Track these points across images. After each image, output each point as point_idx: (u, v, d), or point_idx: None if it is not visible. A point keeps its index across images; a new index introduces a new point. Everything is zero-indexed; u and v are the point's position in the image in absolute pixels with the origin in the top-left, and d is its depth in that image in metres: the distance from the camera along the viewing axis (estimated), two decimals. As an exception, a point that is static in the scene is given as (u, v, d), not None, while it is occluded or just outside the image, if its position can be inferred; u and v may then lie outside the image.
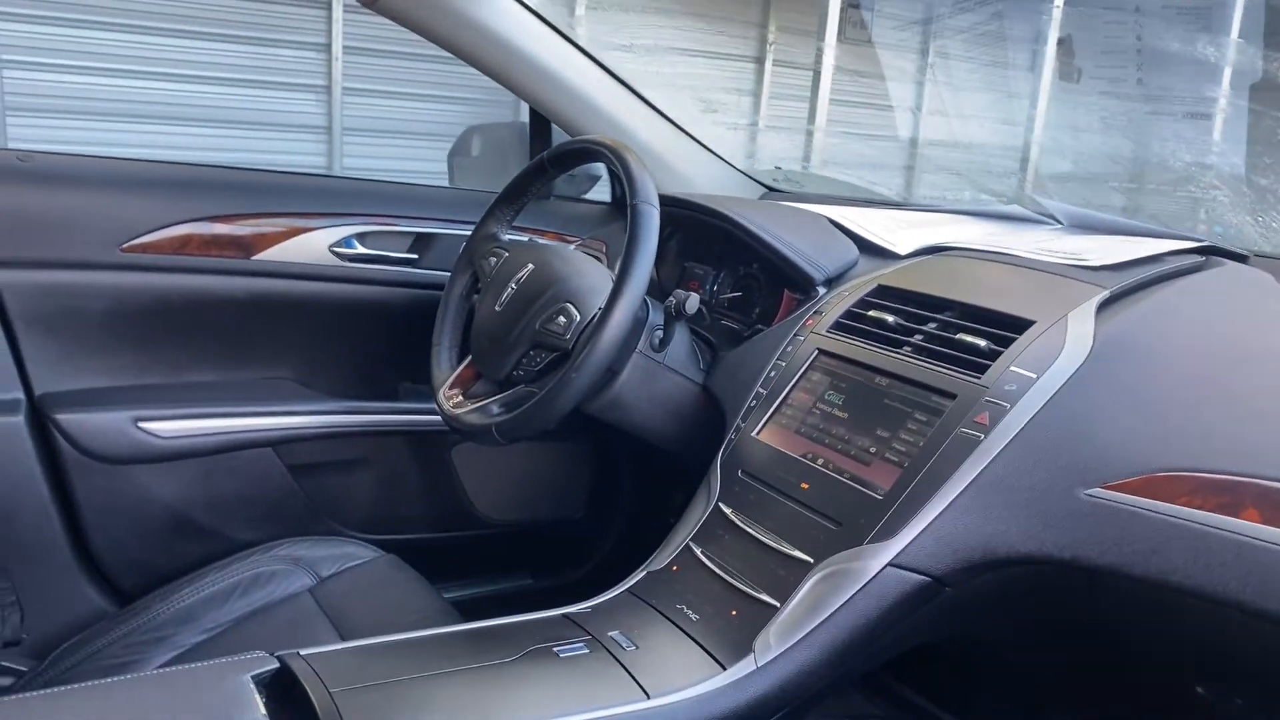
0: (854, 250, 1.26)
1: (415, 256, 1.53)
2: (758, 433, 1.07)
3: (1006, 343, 0.94)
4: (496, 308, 1.20)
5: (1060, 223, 1.32)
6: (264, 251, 1.43)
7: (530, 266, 1.20)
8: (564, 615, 0.94)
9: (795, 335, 1.14)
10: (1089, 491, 0.82)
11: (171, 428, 1.35)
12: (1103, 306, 0.96)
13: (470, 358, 1.27)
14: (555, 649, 0.87)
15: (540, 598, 1.70)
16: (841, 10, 5.78)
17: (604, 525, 1.75)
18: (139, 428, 1.34)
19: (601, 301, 1.10)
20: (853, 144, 6.13)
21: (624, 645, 0.89)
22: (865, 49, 6.05)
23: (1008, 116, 5.68)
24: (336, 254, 1.47)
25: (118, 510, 1.36)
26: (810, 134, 6.11)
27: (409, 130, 5.60)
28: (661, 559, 1.01)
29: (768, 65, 6.29)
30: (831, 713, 1.19)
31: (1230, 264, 1.08)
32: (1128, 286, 0.99)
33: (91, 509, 1.34)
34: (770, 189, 1.74)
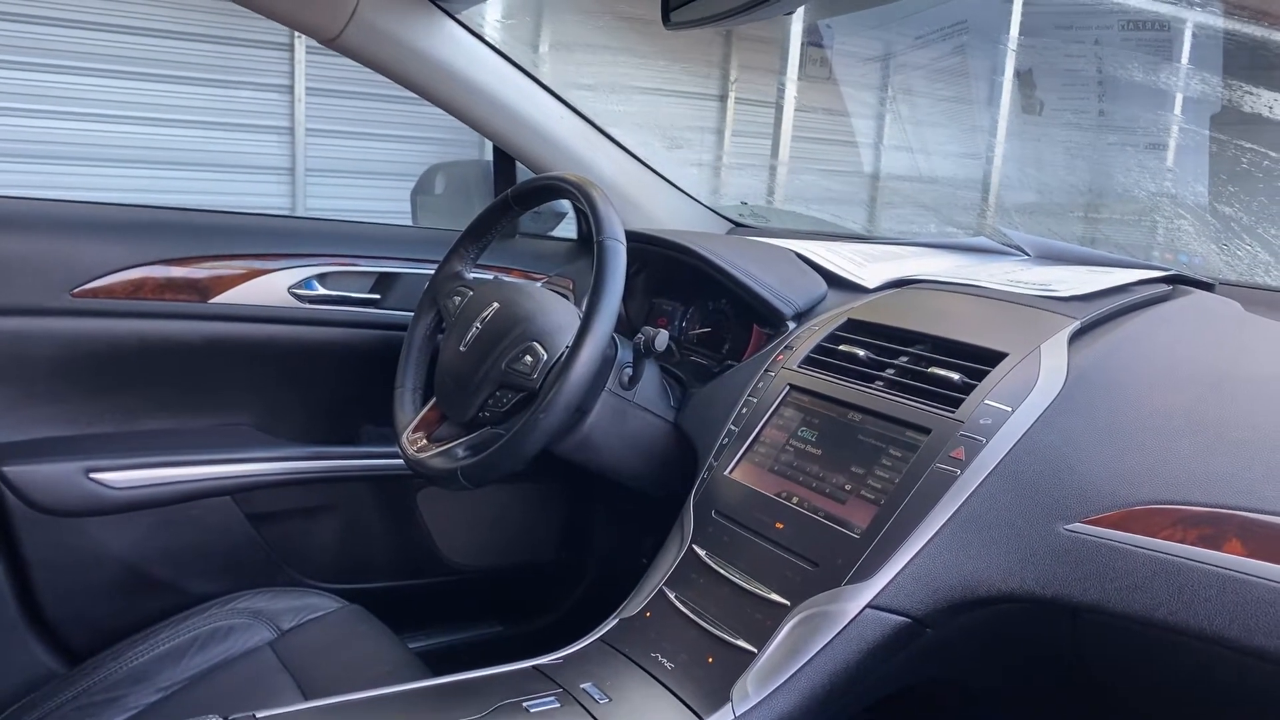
0: (822, 284, 1.25)
1: (377, 296, 1.50)
2: (730, 471, 1.05)
3: (980, 376, 0.92)
4: (461, 348, 1.18)
5: (1027, 254, 1.32)
6: (221, 294, 1.39)
7: (495, 305, 1.18)
8: (534, 667, 0.91)
9: (766, 371, 1.12)
10: (1068, 527, 0.80)
11: (125, 478, 1.31)
12: (1074, 337, 0.95)
13: (435, 400, 1.24)
14: (525, 704, 0.84)
15: (511, 646, 1.65)
16: (802, 48, 5.86)
17: (575, 568, 1.72)
18: (90, 479, 1.29)
19: (569, 340, 1.08)
20: (815, 179, 6.19)
21: (597, 698, 0.86)
22: (826, 85, 6.13)
23: (969, 149, 5.76)
24: (296, 295, 1.44)
25: (68, 565, 1.31)
26: (774, 169, 6.17)
27: (373, 170, 5.58)
28: (634, 605, 0.98)
29: (730, 102, 6.36)
30: None
31: (1197, 292, 1.08)
32: (1098, 317, 0.99)
33: (40, 564, 1.29)
34: (736, 224, 1.73)
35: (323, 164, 5.55)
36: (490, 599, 1.70)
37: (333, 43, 1.27)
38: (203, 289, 1.38)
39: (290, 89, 5.36)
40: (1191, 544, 0.75)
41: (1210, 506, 0.75)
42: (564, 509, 1.69)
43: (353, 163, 5.58)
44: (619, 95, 5.45)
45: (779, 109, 6.15)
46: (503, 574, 1.67)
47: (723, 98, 6.39)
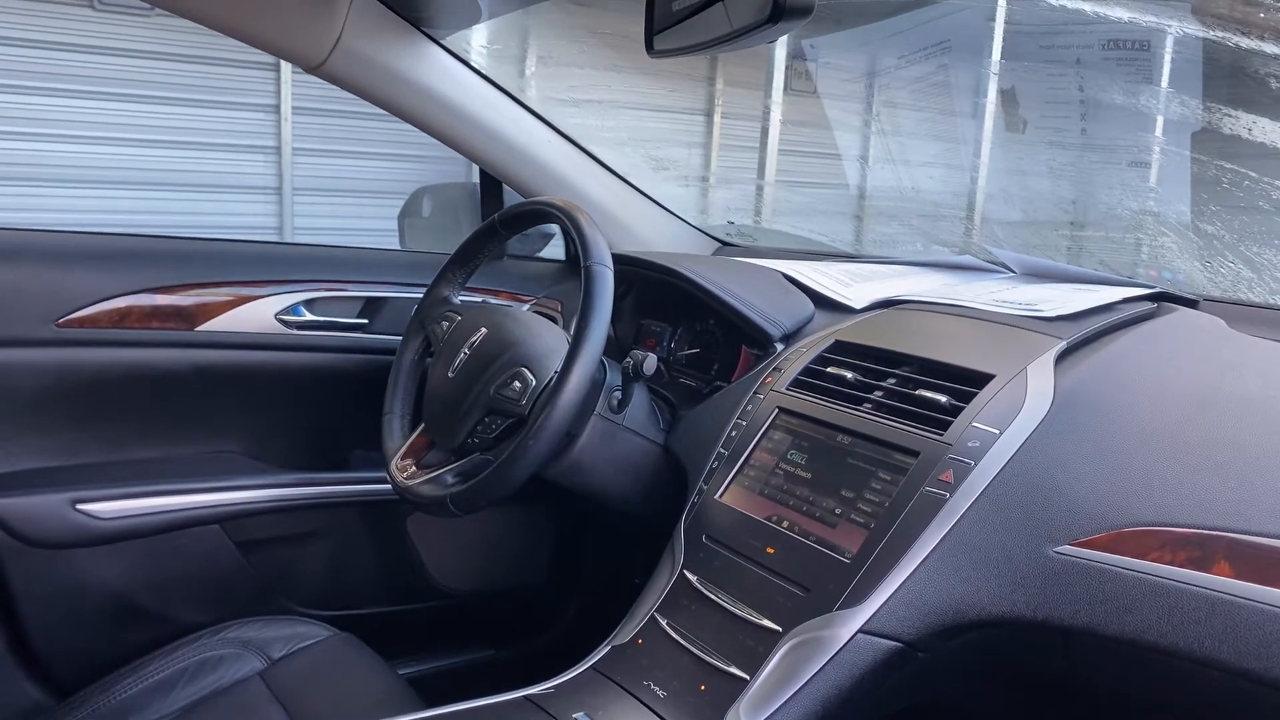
0: (809, 305, 1.26)
1: (365, 321, 1.50)
2: (720, 495, 1.05)
3: (967, 398, 0.93)
4: (449, 373, 1.17)
5: (1013, 271, 1.33)
6: (208, 322, 1.39)
7: (483, 331, 1.18)
8: (526, 697, 0.90)
9: (755, 393, 1.12)
10: (1058, 549, 0.81)
11: (112, 508, 1.30)
12: (1061, 358, 0.96)
13: (424, 426, 1.23)
14: None
15: (503, 670, 1.64)
16: (787, 64, 5.89)
17: (568, 591, 1.71)
18: (77, 510, 1.28)
19: (557, 365, 1.08)
20: (801, 195, 6.21)
21: (589, 727, 0.85)
22: (811, 100, 6.16)
23: (954, 167, 5.79)
24: (283, 322, 1.43)
25: (55, 597, 1.30)
26: (760, 186, 6.19)
27: (361, 189, 5.58)
28: (626, 632, 0.98)
29: (716, 119, 6.38)
30: None
31: (1181, 309, 1.09)
32: (1084, 336, 0.99)
33: (27, 597, 1.28)
34: (724, 243, 1.74)
35: (310, 183, 5.54)
36: (482, 623, 1.69)
37: (318, 70, 1.27)
38: (189, 317, 1.38)
39: (277, 108, 5.36)
40: (1180, 566, 0.75)
41: (1198, 528, 0.76)
42: (556, 531, 1.69)
43: (341, 181, 5.58)
44: (606, 111, 5.47)
45: (764, 126, 6.18)
46: (495, 598, 1.66)
47: (709, 113, 6.42)
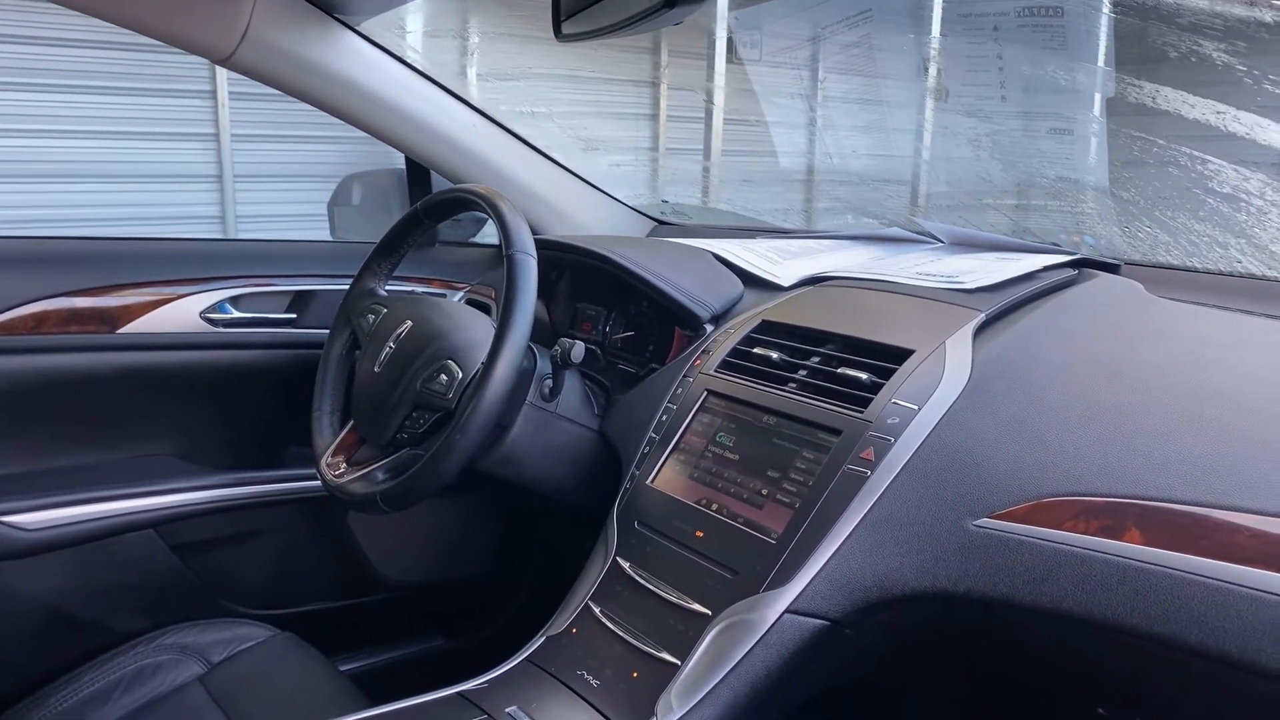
0: (738, 285, 1.25)
1: (294, 316, 1.47)
2: (652, 480, 1.04)
3: (887, 374, 0.93)
4: (376, 368, 1.16)
5: (941, 242, 1.34)
6: (130, 324, 1.36)
7: (409, 323, 1.16)
8: (459, 694, 0.90)
9: (684, 376, 1.12)
10: (977, 522, 0.81)
11: (38, 519, 1.27)
12: (979, 330, 0.96)
13: (353, 422, 1.22)
14: None
15: (453, 660, 1.64)
16: (730, 33, 5.86)
17: (518, 577, 1.71)
18: (1, 522, 1.25)
19: (484, 356, 1.07)
20: (748, 164, 6.20)
21: (522, 721, 0.85)
22: (756, 68, 6.14)
23: (879, 139, 5.80)
24: (209, 320, 1.40)
25: None
26: (706, 160, 6.18)
27: (306, 174, 5.47)
28: (561, 622, 0.98)
29: (663, 89, 6.34)
30: None
31: (1103, 275, 1.10)
32: (1003, 308, 1.00)
33: None
34: (660, 222, 1.73)
35: (252, 169, 5.42)
36: (433, 614, 1.68)
37: (227, 62, 1.23)
38: (110, 319, 1.35)
39: (213, 94, 5.24)
40: (1094, 534, 0.76)
41: (1109, 497, 0.77)
42: (503, 519, 1.68)
43: (285, 167, 5.47)
44: (554, 81, 5.41)
45: (709, 95, 6.16)
46: (444, 588, 1.66)
47: (655, 84, 6.37)
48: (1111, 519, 0.76)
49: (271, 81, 1.29)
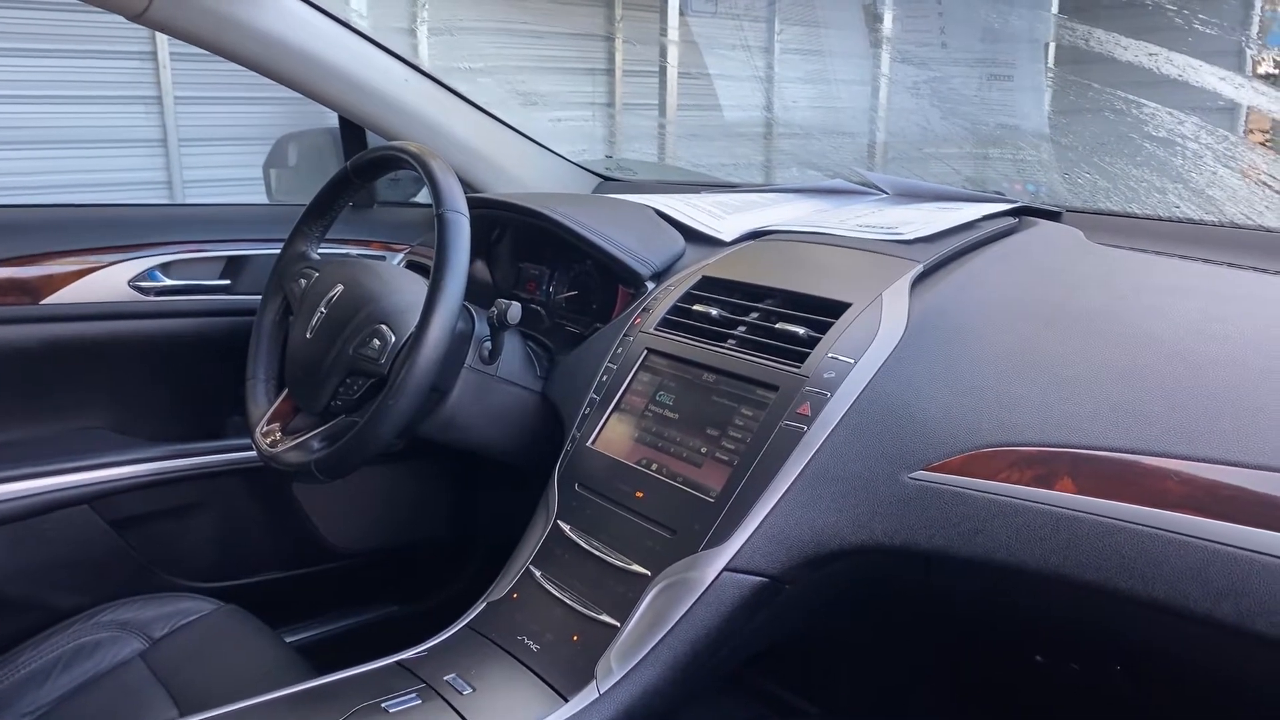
0: (680, 241, 1.23)
1: (228, 282, 1.43)
2: (593, 441, 1.03)
3: (824, 328, 0.92)
4: (308, 334, 1.13)
5: (885, 193, 1.32)
6: (55, 294, 1.31)
7: (340, 287, 1.13)
8: (398, 663, 0.89)
9: (625, 335, 1.10)
10: (912, 475, 0.81)
11: None
12: (917, 282, 0.95)
13: (287, 390, 1.19)
14: (385, 704, 0.82)
15: (407, 627, 1.62)
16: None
17: (470, 543, 1.69)
18: None
19: (417, 320, 1.04)
20: (703, 117, 6.14)
21: (460, 689, 0.84)
22: (710, 21, 6.06)
23: (821, 87, 5.76)
24: (138, 289, 1.36)
25: None
26: (663, 122, 6.10)
27: (254, 137, 5.32)
28: (502, 587, 0.97)
29: (618, 43, 6.24)
30: None
31: (1042, 224, 1.09)
32: (942, 258, 0.99)
33: None
34: (605, 178, 1.69)
35: (197, 133, 5.28)
36: (384, 581, 1.66)
37: (141, 18, 1.17)
38: (33, 290, 1.30)
39: (153, 54, 5.07)
40: (1027, 484, 0.76)
41: (1043, 446, 0.77)
42: (454, 483, 1.66)
43: (232, 130, 5.32)
44: (507, 36, 5.30)
45: (663, 48, 6.07)
46: (395, 555, 1.64)
47: (610, 38, 6.27)
48: (1045, 468, 0.76)
49: (191, 38, 1.24)
